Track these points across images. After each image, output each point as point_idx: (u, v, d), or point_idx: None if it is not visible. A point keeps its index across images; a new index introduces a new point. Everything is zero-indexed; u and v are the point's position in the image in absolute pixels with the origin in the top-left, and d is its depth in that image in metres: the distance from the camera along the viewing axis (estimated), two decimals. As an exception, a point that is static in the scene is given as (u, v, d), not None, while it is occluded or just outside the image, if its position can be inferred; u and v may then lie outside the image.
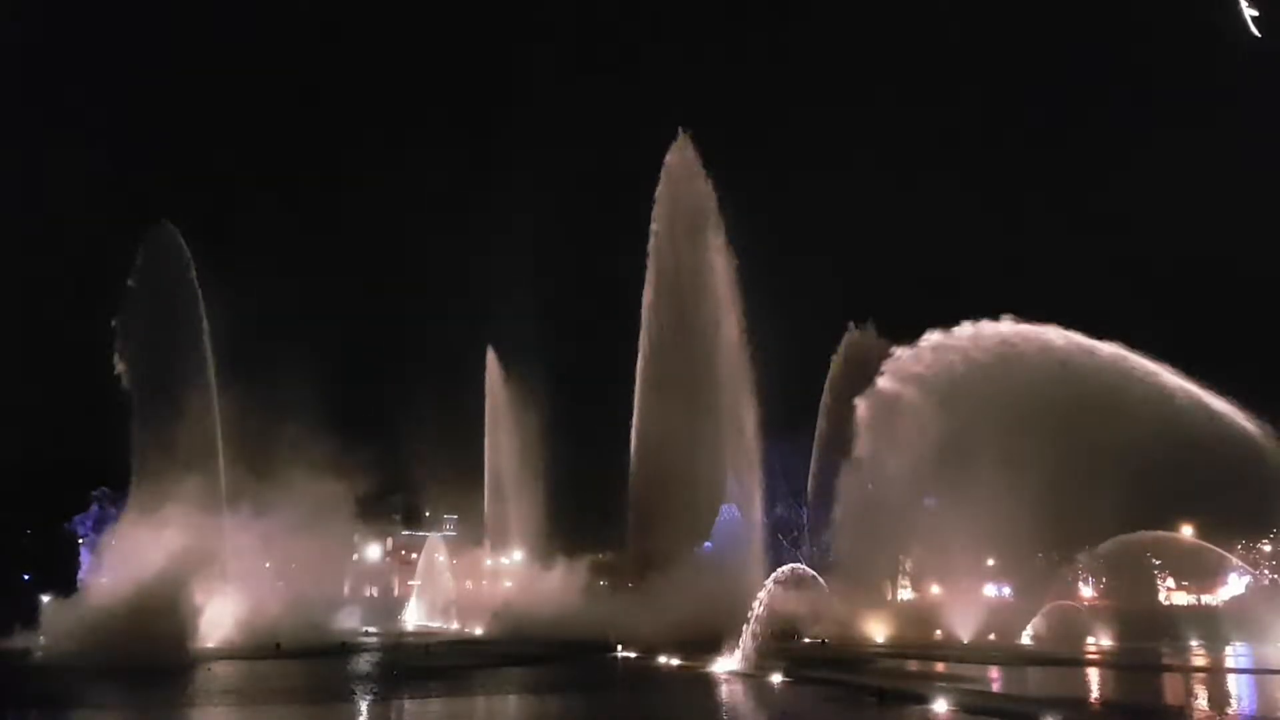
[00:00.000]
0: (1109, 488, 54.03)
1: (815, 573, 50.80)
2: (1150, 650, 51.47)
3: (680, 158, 69.97)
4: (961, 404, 52.00)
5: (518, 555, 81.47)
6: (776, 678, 35.71)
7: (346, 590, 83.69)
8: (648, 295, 69.57)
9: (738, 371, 65.40)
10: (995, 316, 50.03)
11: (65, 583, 59.77)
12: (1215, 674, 43.29)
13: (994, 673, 40.82)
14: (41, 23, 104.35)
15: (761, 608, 41.00)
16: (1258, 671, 42.54)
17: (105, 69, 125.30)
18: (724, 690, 34.13)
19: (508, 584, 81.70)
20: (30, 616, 53.55)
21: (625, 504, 68.85)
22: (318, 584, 64.25)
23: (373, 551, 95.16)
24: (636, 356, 69.57)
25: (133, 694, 33.71)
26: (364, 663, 45.25)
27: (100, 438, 64.64)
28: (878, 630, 58.66)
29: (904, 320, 61.04)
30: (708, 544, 68.02)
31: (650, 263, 69.76)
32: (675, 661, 41.49)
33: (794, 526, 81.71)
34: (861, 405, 57.17)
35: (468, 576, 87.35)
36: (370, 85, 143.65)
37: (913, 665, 44.10)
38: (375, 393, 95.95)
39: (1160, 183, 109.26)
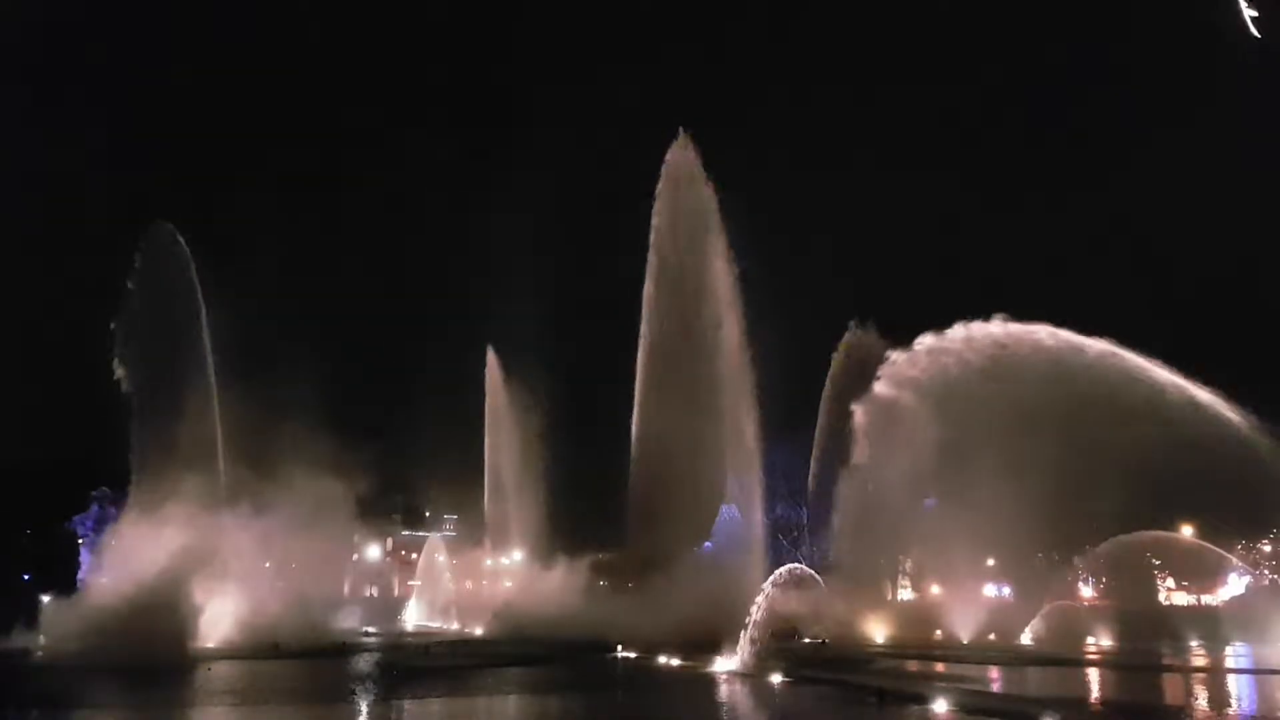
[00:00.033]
0: (1109, 488, 54.09)
1: (815, 573, 50.85)
2: (1150, 650, 51.46)
3: (681, 157, 70.08)
4: (958, 406, 52.06)
5: (518, 555, 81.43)
6: (776, 678, 35.73)
7: (346, 590, 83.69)
8: (648, 289, 69.64)
9: (738, 372, 65.35)
10: (986, 317, 50.28)
11: (65, 583, 59.82)
12: (1215, 674, 43.27)
13: (994, 673, 40.82)
14: (41, 23, 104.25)
15: (761, 608, 41.04)
16: (1258, 671, 42.50)
17: (105, 69, 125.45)
18: (724, 690, 34.15)
19: (508, 584, 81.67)
20: (30, 616, 53.60)
21: (625, 504, 68.88)
22: (318, 584, 64.14)
23: (373, 551, 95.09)
24: (636, 356, 69.66)
25: (133, 694, 33.68)
26: (364, 663, 45.26)
27: (100, 438, 64.75)
28: (878, 630, 58.64)
29: (905, 320, 61.12)
30: (708, 544, 68.08)
31: (651, 256, 69.89)
32: (675, 661, 41.50)
33: (794, 526, 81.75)
34: (859, 411, 57.19)
35: (468, 576, 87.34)
36: (370, 85, 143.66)
37: (913, 665, 44.08)
38: (375, 392, 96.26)
39: (1160, 183, 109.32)
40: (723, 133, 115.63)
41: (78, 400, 74.05)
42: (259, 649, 47.72)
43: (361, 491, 63.28)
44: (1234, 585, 77.75)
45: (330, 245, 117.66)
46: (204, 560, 51.51)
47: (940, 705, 27.64)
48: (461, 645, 54.93)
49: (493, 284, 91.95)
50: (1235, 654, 52.22)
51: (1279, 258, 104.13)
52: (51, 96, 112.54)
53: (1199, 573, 79.57)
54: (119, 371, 57.89)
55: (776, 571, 45.25)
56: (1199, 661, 48.57)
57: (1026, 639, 56.13)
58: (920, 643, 54.77)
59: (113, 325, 58.74)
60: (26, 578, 62.92)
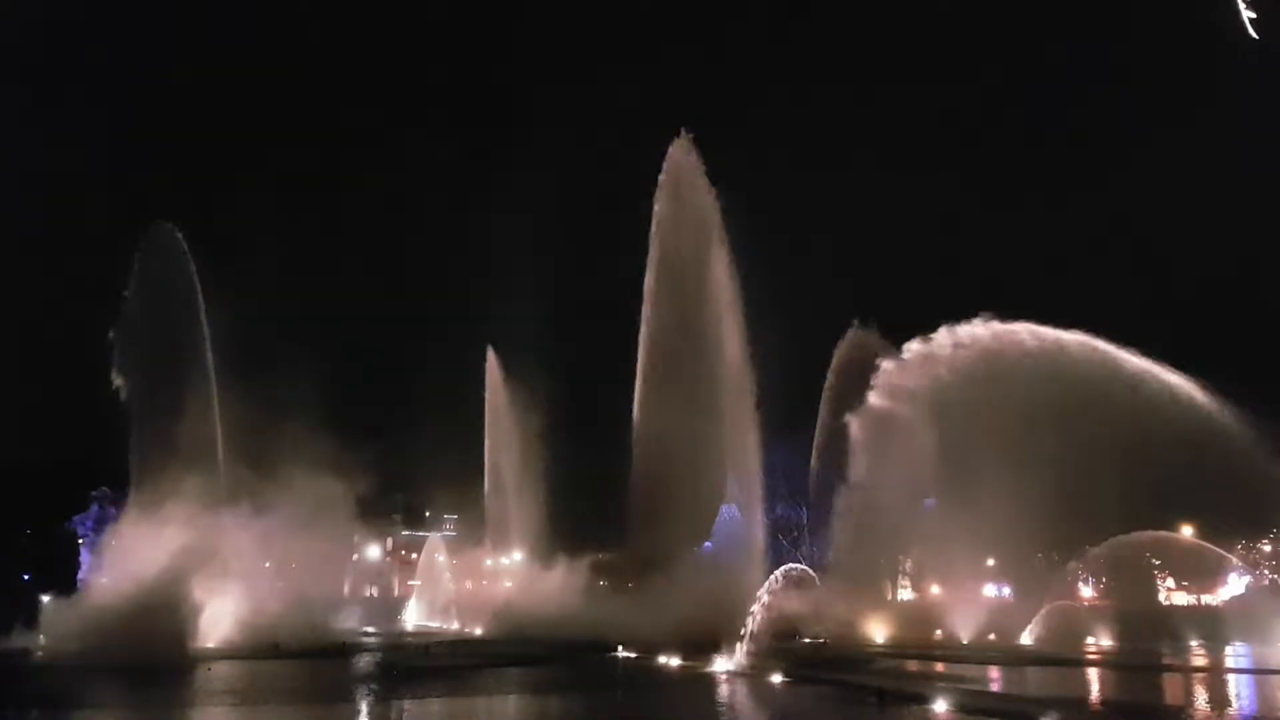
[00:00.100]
0: (1109, 488, 54.04)
1: (815, 573, 50.90)
2: (1150, 650, 51.44)
3: (681, 157, 70.12)
4: (953, 411, 52.12)
5: (518, 555, 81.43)
6: (776, 678, 35.75)
7: (346, 590, 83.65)
8: (649, 281, 69.64)
9: (738, 371, 65.40)
10: (969, 317, 50.51)
11: (65, 583, 59.81)
12: (1215, 674, 43.27)
13: (994, 673, 40.82)
14: (41, 23, 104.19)
15: (761, 608, 41.05)
16: (1258, 671, 42.51)
17: (105, 69, 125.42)
18: (724, 690, 34.16)
19: (508, 584, 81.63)
20: (30, 616, 53.60)
21: (625, 504, 68.90)
22: (318, 584, 64.14)
23: (373, 551, 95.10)
24: (637, 356, 69.65)
25: (133, 694, 33.70)
26: (364, 663, 45.28)
27: (100, 438, 64.74)
28: (878, 630, 58.61)
29: (905, 320, 61.11)
30: (708, 544, 68.08)
31: (652, 249, 69.91)
32: (675, 661, 41.49)
33: (794, 526, 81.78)
34: (854, 424, 57.08)
35: (468, 576, 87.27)
36: (370, 85, 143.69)
37: (913, 665, 44.08)
38: (375, 392, 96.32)
39: (1160, 183, 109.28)
40: (723, 133, 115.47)
41: (78, 400, 74.06)
42: (259, 649, 47.72)
43: (361, 491, 63.39)
44: (1234, 585, 77.72)
45: (330, 245, 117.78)
46: (204, 560, 51.50)
47: (940, 705, 27.65)
48: (461, 645, 54.92)
49: (493, 284, 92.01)
50: (1235, 654, 52.23)
51: (1279, 258, 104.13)
52: (51, 96, 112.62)
53: (1199, 573, 79.55)
54: (117, 381, 57.97)
55: (776, 572, 45.27)
56: (1199, 661, 48.55)
57: (1026, 639, 56.13)
58: (920, 643, 54.75)
59: (111, 335, 58.81)
60: (26, 578, 62.89)
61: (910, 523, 62.48)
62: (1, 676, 39.14)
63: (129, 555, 53.88)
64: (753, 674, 37.33)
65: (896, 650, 51.36)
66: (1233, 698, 33.78)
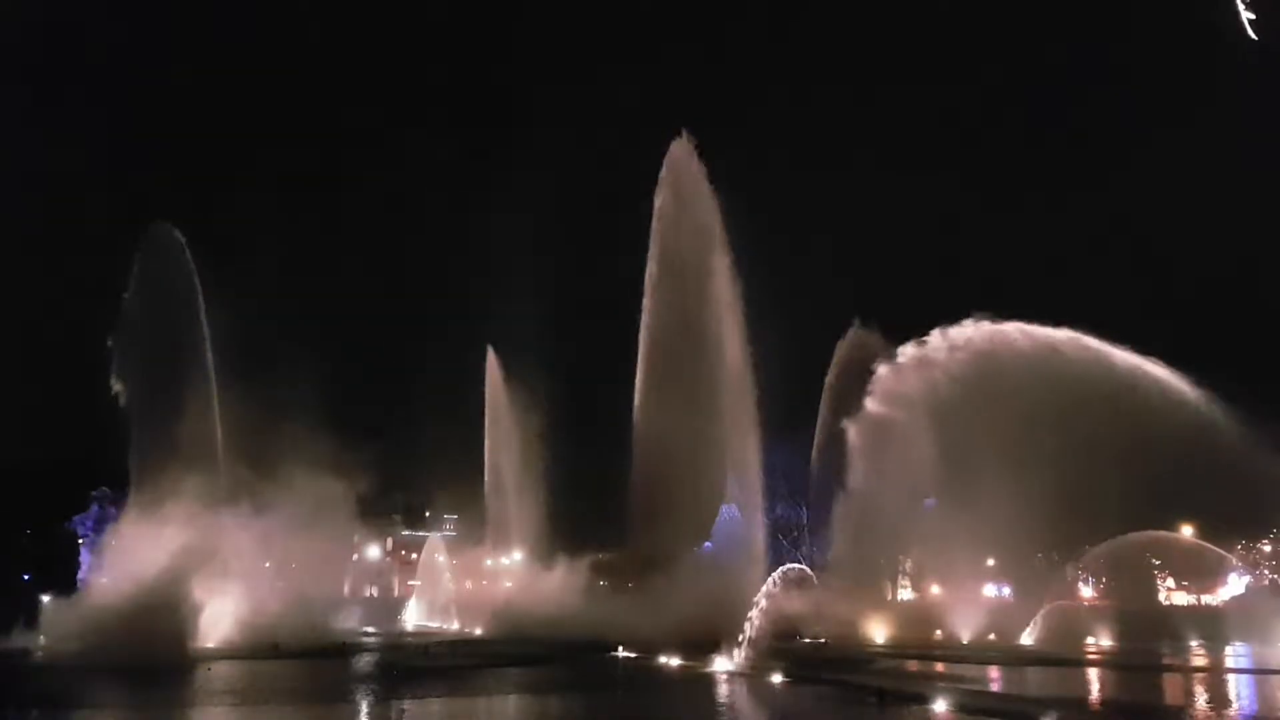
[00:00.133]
0: (1109, 488, 54.06)
1: (815, 573, 50.89)
2: (1150, 650, 51.46)
3: (682, 157, 70.15)
4: (950, 412, 52.12)
5: (518, 555, 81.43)
6: (776, 678, 35.74)
7: (346, 590, 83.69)
8: (650, 270, 69.64)
9: (738, 371, 65.40)
10: (960, 318, 50.59)
11: (65, 583, 59.79)
12: (1215, 674, 43.28)
13: (994, 673, 40.84)
14: (41, 23, 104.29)
15: (761, 608, 41.04)
16: (1258, 671, 42.53)
17: (105, 69, 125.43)
18: (724, 690, 34.14)
19: (508, 584, 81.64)
20: (30, 616, 53.56)
21: (625, 504, 68.87)
22: (318, 584, 64.17)
23: (373, 551, 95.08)
24: (637, 356, 69.64)
25: (133, 694, 33.70)
26: (364, 663, 45.26)
27: (100, 438, 64.70)
28: (878, 630, 58.64)
29: (905, 320, 61.11)
30: (708, 544, 68.08)
31: (652, 245, 69.95)
32: (675, 661, 41.47)
33: (794, 526, 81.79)
34: (852, 430, 57.08)
35: (468, 576, 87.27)
36: (370, 85, 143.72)
37: (913, 665, 44.07)
38: (375, 392, 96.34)
39: (1160, 183, 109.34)
40: (723, 133, 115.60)
41: (78, 400, 74.02)
42: (259, 649, 47.69)
43: (361, 491, 63.44)
44: (1234, 585, 77.78)
45: (330, 245, 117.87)
46: (204, 560, 51.46)
47: (940, 705, 27.66)
48: (461, 645, 54.90)
49: (493, 284, 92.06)
50: (1235, 654, 52.24)
51: (1279, 258, 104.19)
52: (51, 96, 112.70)
53: (1199, 573, 79.61)
54: (117, 387, 57.97)
55: (776, 572, 45.26)
56: (1199, 661, 48.57)
57: (1026, 639, 56.15)
58: (920, 643, 54.77)
59: (110, 341, 58.80)
60: (26, 578, 62.86)
61: (910, 523, 62.52)
62: (1, 676, 39.08)
63: (129, 555, 53.85)
64: (753, 674, 37.31)
65: (896, 650, 51.35)
66: (1233, 698, 33.78)
